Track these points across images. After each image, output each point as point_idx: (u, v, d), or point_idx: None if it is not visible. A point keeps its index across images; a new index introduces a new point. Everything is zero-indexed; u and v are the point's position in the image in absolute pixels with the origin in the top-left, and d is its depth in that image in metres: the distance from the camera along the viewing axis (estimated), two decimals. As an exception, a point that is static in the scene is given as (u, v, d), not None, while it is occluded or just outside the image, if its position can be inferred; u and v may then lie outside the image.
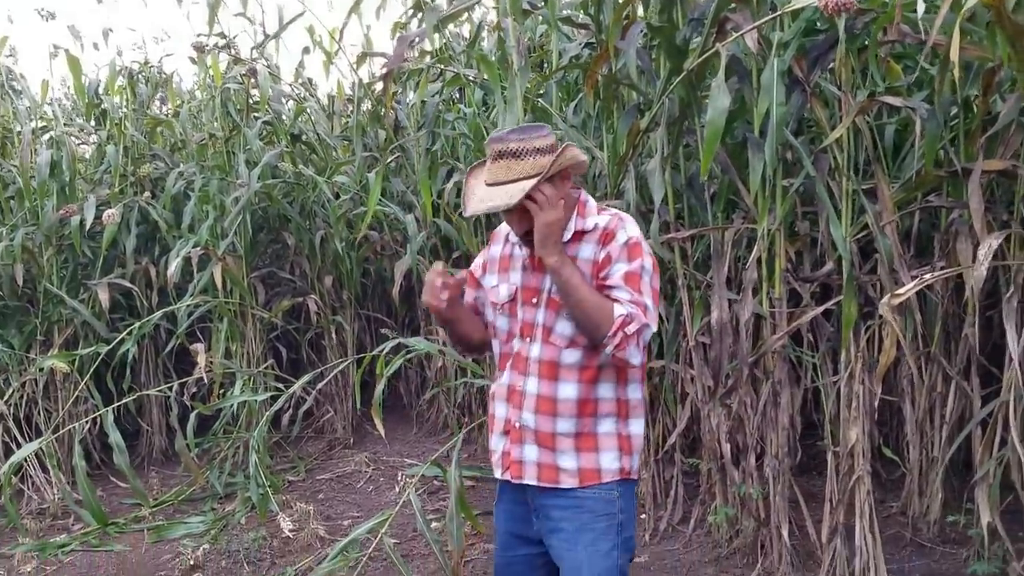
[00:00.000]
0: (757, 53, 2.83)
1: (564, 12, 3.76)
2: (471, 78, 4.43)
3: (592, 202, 1.99)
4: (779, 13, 2.54)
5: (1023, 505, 2.85)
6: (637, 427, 1.99)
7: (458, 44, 5.21)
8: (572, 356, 1.91)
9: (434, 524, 3.83)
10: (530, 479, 1.96)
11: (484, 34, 5.09)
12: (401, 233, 5.38)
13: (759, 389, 3.25)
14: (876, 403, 2.92)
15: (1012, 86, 2.87)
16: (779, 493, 3.11)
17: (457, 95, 5.44)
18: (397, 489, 4.56)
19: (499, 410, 2.02)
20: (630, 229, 1.90)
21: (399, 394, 6.01)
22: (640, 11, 3.47)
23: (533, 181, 1.81)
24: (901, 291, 2.43)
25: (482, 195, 1.88)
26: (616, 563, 1.93)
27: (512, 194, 1.80)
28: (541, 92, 4.41)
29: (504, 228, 2.10)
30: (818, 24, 2.97)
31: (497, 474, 2.03)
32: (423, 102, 4.97)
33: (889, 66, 3.05)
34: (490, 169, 1.87)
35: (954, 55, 2.25)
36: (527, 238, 1.92)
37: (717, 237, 3.32)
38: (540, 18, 4.17)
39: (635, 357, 1.81)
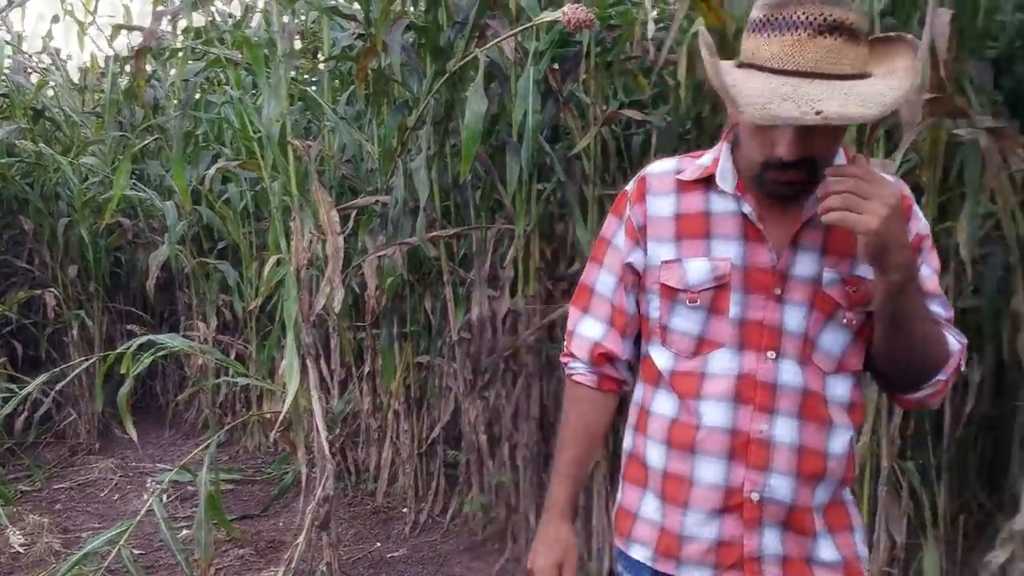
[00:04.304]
0: (515, 61, 2.96)
1: (332, 2, 3.71)
2: (236, 60, 4.24)
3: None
4: (533, 23, 2.67)
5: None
6: None
7: (227, 23, 4.97)
8: (841, 387, 1.24)
9: (185, 532, 3.64)
10: None
11: (255, 15, 4.90)
12: (160, 221, 5.04)
13: (514, 382, 3.40)
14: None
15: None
16: (528, 480, 3.27)
17: (226, 77, 5.19)
18: (146, 496, 4.28)
19: (706, 471, 1.24)
20: (918, 209, 1.27)
21: (155, 394, 5.64)
22: (411, 8, 3.50)
23: (893, 86, 1.08)
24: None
25: (783, 89, 1.05)
26: None
27: (868, 100, 1.04)
28: (315, 80, 4.33)
29: (663, 169, 1.33)
30: (571, 36, 3.15)
31: (694, 573, 1.27)
32: (186, 82, 4.69)
33: (636, 79, 3.30)
34: (804, 45, 1.07)
35: (681, 74, 2.48)
36: (798, 177, 1.15)
37: (479, 236, 3.44)
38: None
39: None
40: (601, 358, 1.38)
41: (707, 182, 1.27)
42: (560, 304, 3.42)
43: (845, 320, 1.20)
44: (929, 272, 1.24)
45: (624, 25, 2.94)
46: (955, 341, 1.23)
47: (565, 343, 1.43)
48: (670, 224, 1.28)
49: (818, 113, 1.02)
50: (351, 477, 4.13)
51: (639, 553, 1.32)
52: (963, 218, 2.36)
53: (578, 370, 1.41)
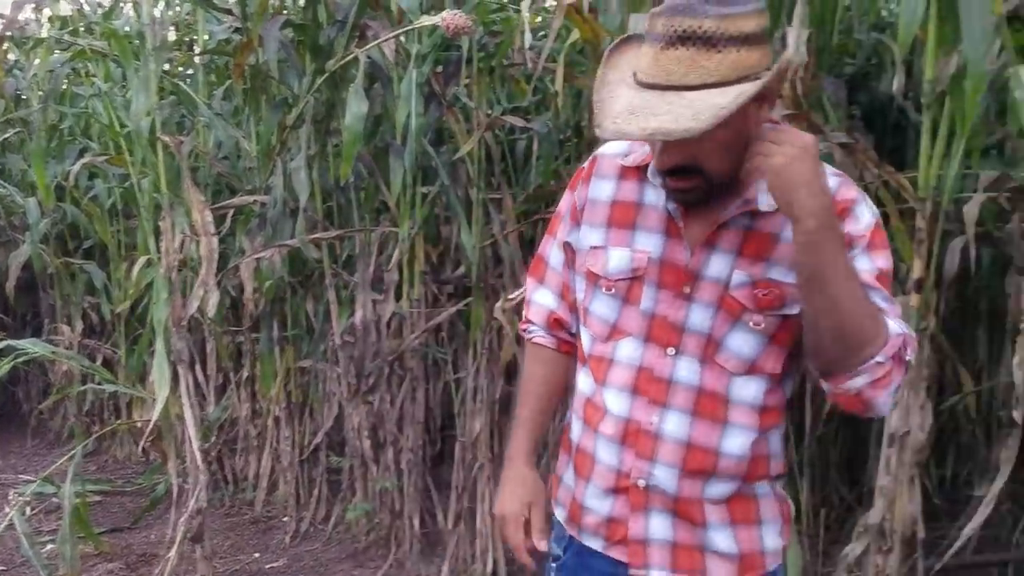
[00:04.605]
0: (396, 63, 2.93)
1: (207, -7, 3.57)
2: (104, 52, 4.03)
3: None
4: (414, 26, 2.65)
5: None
6: None
7: (96, 13, 4.71)
8: (752, 389, 1.24)
9: (50, 546, 3.44)
10: (659, 569, 1.28)
11: (126, 5, 4.67)
12: (21, 218, 4.73)
13: (400, 386, 3.37)
14: (498, 395, 3.18)
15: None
16: (412, 485, 3.25)
17: (95, 69, 4.92)
18: (7, 510, 4.01)
19: (604, 451, 1.29)
20: (869, 203, 1.23)
21: (17, 401, 5.30)
22: (290, 3, 3.42)
23: (739, 91, 1.04)
24: (513, 295, 2.66)
25: (636, 103, 1.08)
26: None
27: (685, 113, 1.03)
28: (190, 73, 4.16)
29: (614, 151, 1.33)
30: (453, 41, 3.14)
31: (592, 543, 1.34)
32: (50, 73, 4.42)
33: (518, 85, 3.33)
34: (658, 58, 1.07)
35: (558, 84, 2.51)
36: (683, 182, 1.17)
37: (363, 238, 3.39)
38: (186, -5, 3.93)
39: (887, 404, 1.17)
40: (556, 324, 1.45)
41: (647, 170, 1.28)
42: (445, 308, 3.42)
43: (752, 323, 1.20)
44: (868, 266, 1.17)
45: (506, 31, 2.96)
46: (896, 325, 1.14)
47: (524, 311, 1.50)
48: (605, 209, 1.31)
49: (644, 128, 1.04)
50: (228, 486, 4.00)
51: (559, 514, 1.41)
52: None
53: (537, 333, 1.48)
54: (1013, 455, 2.07)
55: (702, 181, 1.16)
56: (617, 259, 1.27)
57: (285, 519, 3.66)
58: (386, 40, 2.71)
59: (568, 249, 1.39)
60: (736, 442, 1.23)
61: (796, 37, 2.12)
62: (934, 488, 3.02)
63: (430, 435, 3.67)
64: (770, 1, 2.13)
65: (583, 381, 1.35)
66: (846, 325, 1.09)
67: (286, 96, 3.44)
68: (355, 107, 2.74)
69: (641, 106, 1.06)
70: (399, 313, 3.33)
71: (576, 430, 1.36)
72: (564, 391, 1.49)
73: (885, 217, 2.42)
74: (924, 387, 2.16)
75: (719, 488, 1.26)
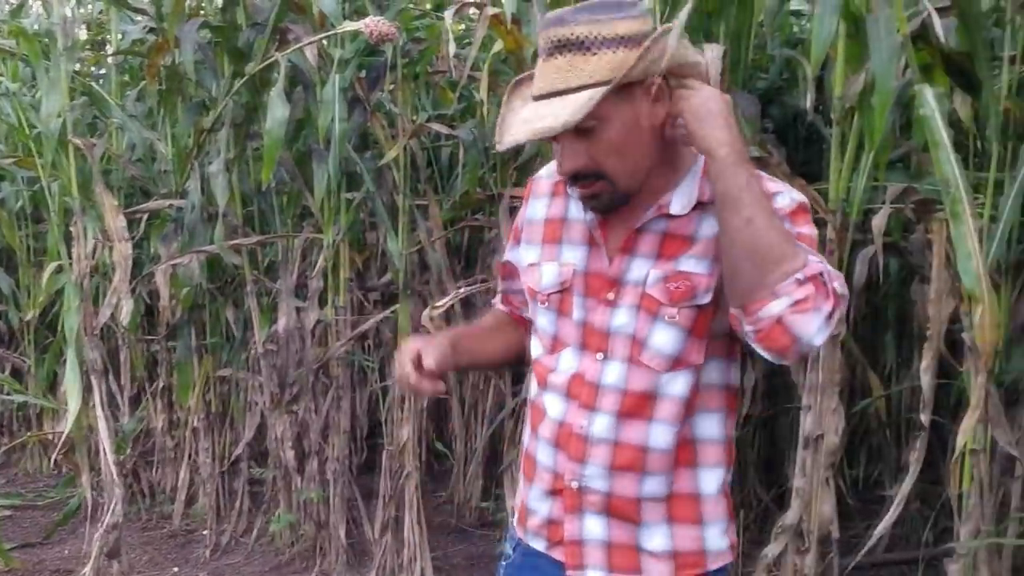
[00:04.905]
0: (319, 67, 2.88)
1: (121, -8, 3.46)
2: (12, 52, 3.86)
3: None
4: (336, 31, 2.62)
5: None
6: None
7: (3, 11, 4.50)
8: (679, 385, 1.24)
9: (-39, 566, 3.28)
10: (595, 569, 1.30)
11: (35, 4, 4.48)
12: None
13: (324, 394, 3.32)
14: (426, 403, 3.16)
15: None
16: (338, 495, 3.20)
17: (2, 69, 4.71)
18: (-92, 529, 3.80)
19: (543, 454, 1.33)
20: (793, 193, 1.24)
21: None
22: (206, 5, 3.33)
23: (602, 90, 1.11)
24: (440, 303, 2.65)
25: (528, 114, 1.19)
26: None
27: (563, 112, 1.11)
28: (102, 73, 4.01)
29: (548, 172, 1.38)
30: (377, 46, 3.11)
31: (536, 544, 1.37)
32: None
33: (444, 93, 3.32)
34: (543, 69, 1.16)
35: (483, 92, 2.51)
36: (588, 188, 1.22)
37: (285, 244, 3.32)
38: (98, -7, 3.79)
39: (821, 332, 1.10)
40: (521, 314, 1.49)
41: (557, 188, 1.35)
42: (372, 315, 3.38)
43: (668, 317, 1.21)
44: (788, 226, 1.18)
45: (430, 38, 2.94)
46: (818, 258, 1.14)
47: (498, 297, 1.55)
48: (540, 228, 1.36)
49: (531, 131, 1.15)
50: (145, 499, 3.87)
51: (513, 516, 1.46)
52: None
53: (496, 304, 1.56)
54: (922, 456, 2.16)
55: (607, 185, 1.20)
56: (548, 274, 1.32)
57: (205, 532, 3.57)
58: (309, 44, 2.66)
59: (509, 266, 1.46)
60: (663, 437, 1.25)
61: (708, 53, 2.18)
62: (847, 489, 3.14)
63: (356, 444, 3.63)
64: (692, 18, 2.17)
65: (531, 387, 1.39)
66: (760, 241, 1.10)
67: (203, 98, 3.35)
68: (277, 111, 2.68)
69: (531, 116, 1.17)
70: (324, 321, 3.27)
71: (526, 434, 1.41)
72: (511, 352, 1.50)
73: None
74: (837, 391, 2.24)
75: (654, 485, 1.27)
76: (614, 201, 1.23)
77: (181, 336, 3.55)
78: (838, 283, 1.13)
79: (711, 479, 1.30)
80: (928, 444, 2.24)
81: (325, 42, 2.84)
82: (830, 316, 1.10)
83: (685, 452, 1.27)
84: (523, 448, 1.41)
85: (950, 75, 2.15)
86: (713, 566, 1.30)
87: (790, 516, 2.30)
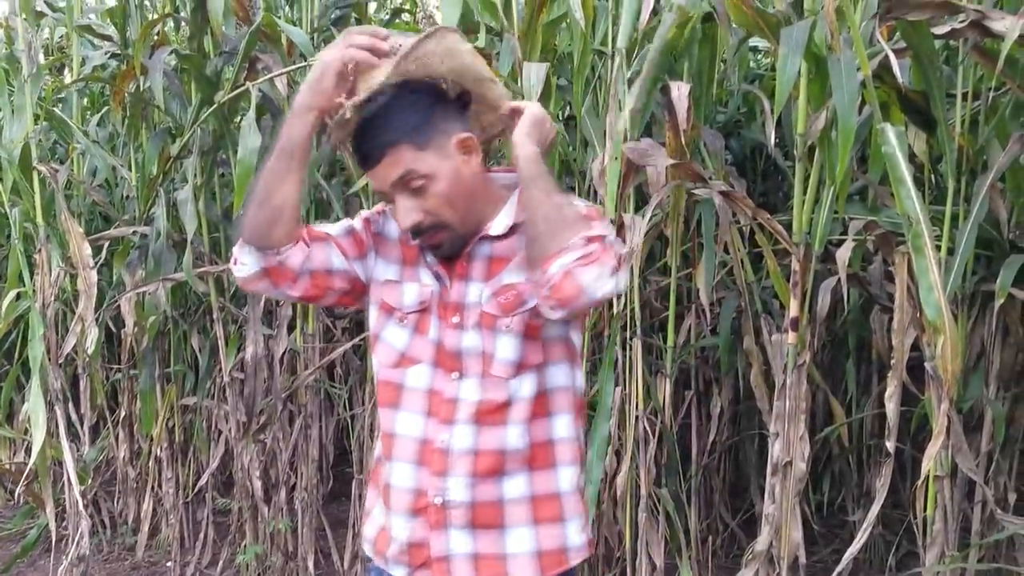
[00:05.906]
0: (287, 97, 2.88)
1: (86, 19, 3.42)
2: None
3: None
4: (307, 63, 2.62)
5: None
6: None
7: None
8: (526, 386, 1.35)
9: None
10: None
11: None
12: None
13: (292, 423, 3.29)
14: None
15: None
16: (307, 524, 3.17)
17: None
18: None
19: (399, 476, 1.37)
20: (589, 207, 1.40)
21: None
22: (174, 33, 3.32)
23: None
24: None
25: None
26: None
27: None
28: (61, 98, 3.95)
29: None
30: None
31: (396, 572, 1.39)
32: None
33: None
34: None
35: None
36: (437, 239, 1.36)
37: (253, 271, 3.29)
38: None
39: (605, 285, 1.21)
40: (307, 232, 1.42)
41: None
42: (341, 342, 3.36)
43: (506, 327, 1.33)
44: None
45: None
46: (600, 224, 1.29)
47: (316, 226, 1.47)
48: (396, 247, 1.44)
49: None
50: (106, 531, 3.79)
51: (367, 547, 1.47)
52: (701, 266, 2.61)
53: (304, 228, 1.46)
54: (887, 483, 2.21)
55: (448, 232, 1.35)
56: (409, 293, 1.40)
57: (169, 564, 3.49)
58: (280, 75, 2.66)
59: (353, 246, 1.42)
60: (519, 437, 1.34)
61: (676, 91, 2.23)
62: (812, 514, 3.19)
63: (322, 473, 3.60)
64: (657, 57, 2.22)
65: (381, 413, 1.42)
66: (555, 211, 1.26)
67: (169, 125, 3.33)
68: (249, 141, 2.67)
69: None
70: (293, 349, 3.25)
71: (385, 465, 1.42)
72: (286, 195, 1.43)
73: (760, 257, 2.57)
74: (803, 419, 2.29)
75: (515, 486, 1.35)
76: (455, 244, 1.37)
77: (145, 364, 3.49)
78: (618, 244, 1.28)
79: (567, 477, 1.39)
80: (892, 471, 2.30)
81: (295, 72, 2.84)
82: (614, 271, 1.22)
83: (543, 452, 1.37)
84: (380, 479, 1.43)
85: (906, 112, 2.23)
86: (574, 561, 1.39)
87: (761, 542, 2.34)
